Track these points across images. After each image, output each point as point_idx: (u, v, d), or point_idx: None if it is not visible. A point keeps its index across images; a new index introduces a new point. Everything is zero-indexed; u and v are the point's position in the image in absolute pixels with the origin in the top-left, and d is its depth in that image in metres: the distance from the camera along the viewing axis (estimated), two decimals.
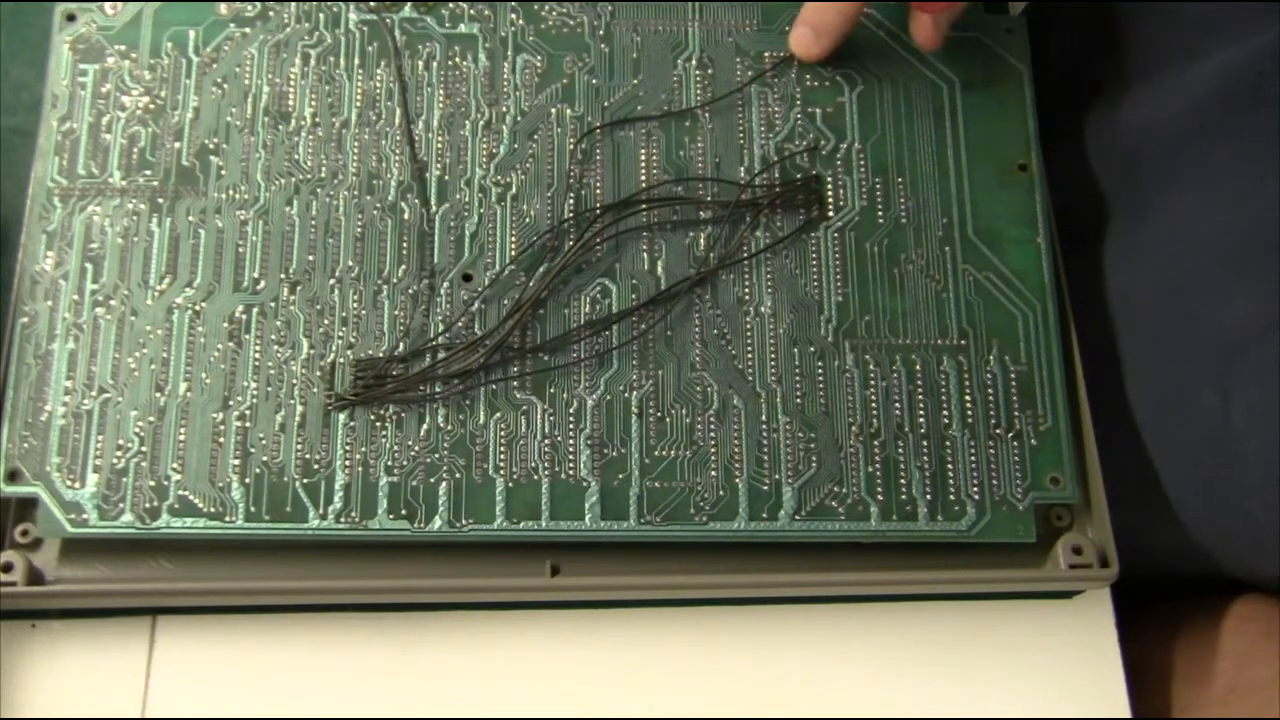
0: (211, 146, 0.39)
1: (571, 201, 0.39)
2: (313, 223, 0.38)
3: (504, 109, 0.40)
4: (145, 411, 0.36)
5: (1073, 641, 0.38)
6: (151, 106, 0.39)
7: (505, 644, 0.37)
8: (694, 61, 0.41)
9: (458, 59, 0.40)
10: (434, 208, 0.39)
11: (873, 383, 0.38)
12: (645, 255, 0.39)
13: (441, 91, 0.40)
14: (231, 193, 0.38)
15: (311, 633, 0.37)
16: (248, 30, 0.40)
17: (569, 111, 0.40)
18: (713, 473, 0.37)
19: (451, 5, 0.41)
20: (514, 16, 0.41)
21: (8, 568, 0.35)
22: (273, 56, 0.40)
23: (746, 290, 0.38)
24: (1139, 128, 0.40)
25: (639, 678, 0.37)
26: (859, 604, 0.38)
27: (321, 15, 0.40)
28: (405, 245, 0.38)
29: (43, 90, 0.39)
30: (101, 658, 0.37)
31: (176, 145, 0.39)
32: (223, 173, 0.39)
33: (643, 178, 0.39)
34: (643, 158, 0.39)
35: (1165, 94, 0.39)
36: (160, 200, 0.38)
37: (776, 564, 0.37)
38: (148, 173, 0.39)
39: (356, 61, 0.40)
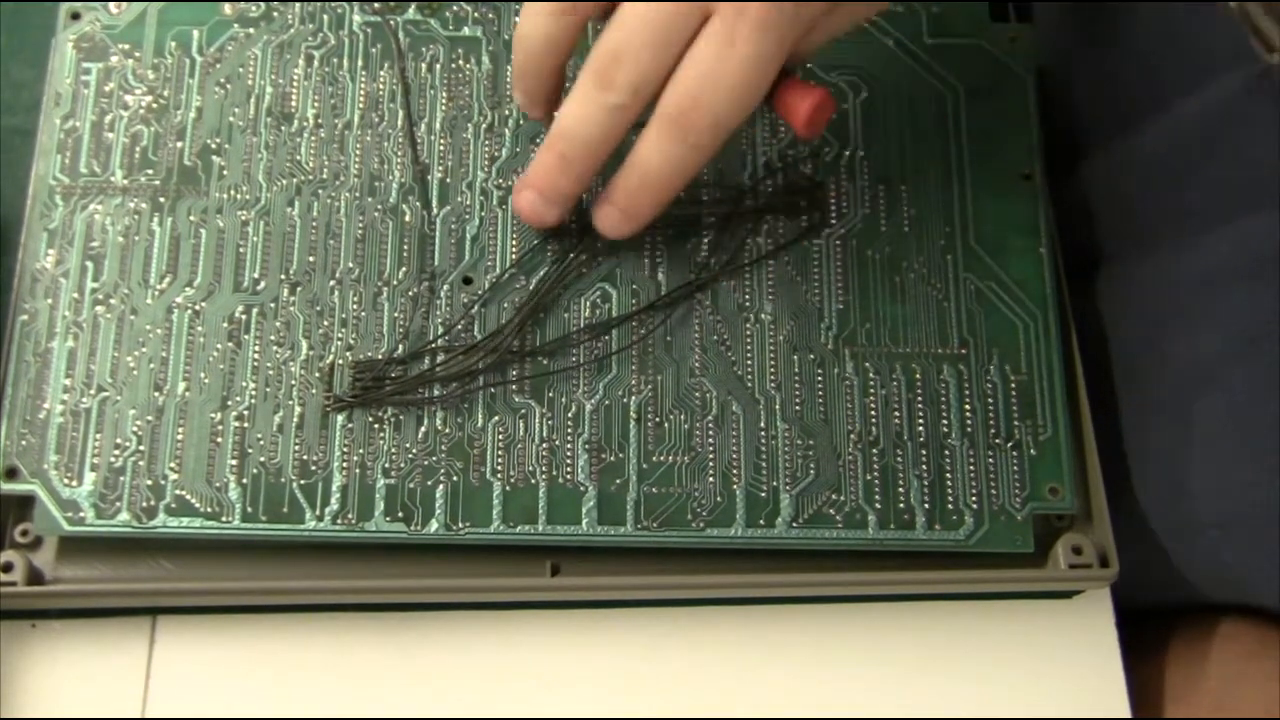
0: (214, 146, 0.39)
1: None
2: (314, 224, 0.38)
3: (506, 112, 0.40)
4: (143, 410, 0.36)
5: (1073, 641, 0.38)
6: (154, 106, 0.39)
7: (504, 644, 0.37)
8: None
9: (461, 61, 0.40)
10: (435, 210, 0.39)
11: (872, 391, 0.38)
12: (646, 260, 0.38)
13: (444, 94, 0.40)
14: (233, 193, 0.38)
15: (313, 633, 0.37)
16: (251, 31, 0.40)
17: None
18: (711, 479, 0.37)
19: (455, 7, 0.41)
20: (517, 20, 0.40)
21: (8, 567, 0.35)
22: (276, 57, 0.40)
23: (747, 296, 0.38)
24: (1134, 148, 0.40)
25: (639, 678, 0.37)
26: (858, 604, 0.38)
27: (325, 17, 0.40)
28: (406, 247, 0.38)
29: (43, 89, 0.39)
30: (101, 658, 0.37)
31: (179, 145, 0.39)
32: (224, 173, 0.39)
33: None
34: None
35: (1150, 124, 0.39)
36: (162, 199, 0.38)
37: (774, 569, 0.37)
38: (149, 172, 0.39)
39: (360, 63, 0.40)
